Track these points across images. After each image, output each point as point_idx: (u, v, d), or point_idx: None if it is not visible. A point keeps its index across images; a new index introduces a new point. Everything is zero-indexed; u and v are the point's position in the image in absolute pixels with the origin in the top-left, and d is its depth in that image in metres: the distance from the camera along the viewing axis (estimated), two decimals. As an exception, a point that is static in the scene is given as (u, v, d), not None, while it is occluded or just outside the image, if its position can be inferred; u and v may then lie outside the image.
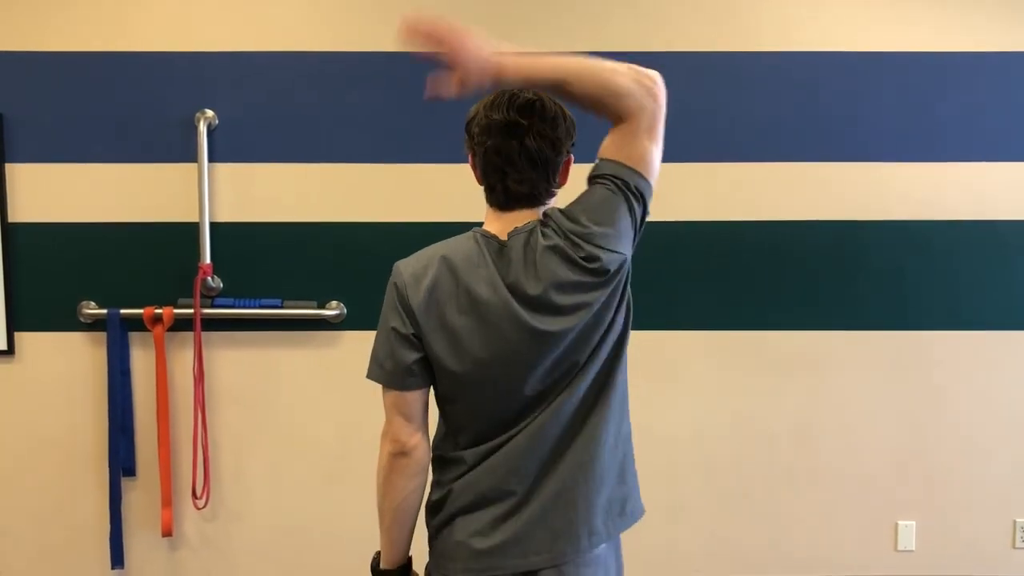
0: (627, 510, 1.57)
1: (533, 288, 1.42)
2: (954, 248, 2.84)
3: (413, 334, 1.47)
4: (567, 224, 1.44)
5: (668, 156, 2.73)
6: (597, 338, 1.48)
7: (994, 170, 2.83)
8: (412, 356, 1.47)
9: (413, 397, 1.49)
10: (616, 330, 1.51)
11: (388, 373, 1.48)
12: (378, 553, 1.60)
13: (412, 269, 1.49)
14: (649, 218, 2.74)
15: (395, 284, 1.50)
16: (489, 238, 1.49)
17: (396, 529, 1.54)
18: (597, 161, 1.50)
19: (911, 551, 2.92)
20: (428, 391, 1.53)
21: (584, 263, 1.42)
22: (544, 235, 1.45)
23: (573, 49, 2.74)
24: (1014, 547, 2.93)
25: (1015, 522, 2.92)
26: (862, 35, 2.79)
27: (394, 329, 1.48)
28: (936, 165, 2.83)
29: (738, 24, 2.79)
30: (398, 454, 1.49)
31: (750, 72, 2.79)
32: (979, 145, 2.83)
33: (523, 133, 1.46)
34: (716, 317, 2.84)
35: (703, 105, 2.79)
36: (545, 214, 1.49)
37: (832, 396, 2.88)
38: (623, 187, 1.46)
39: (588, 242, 1.43)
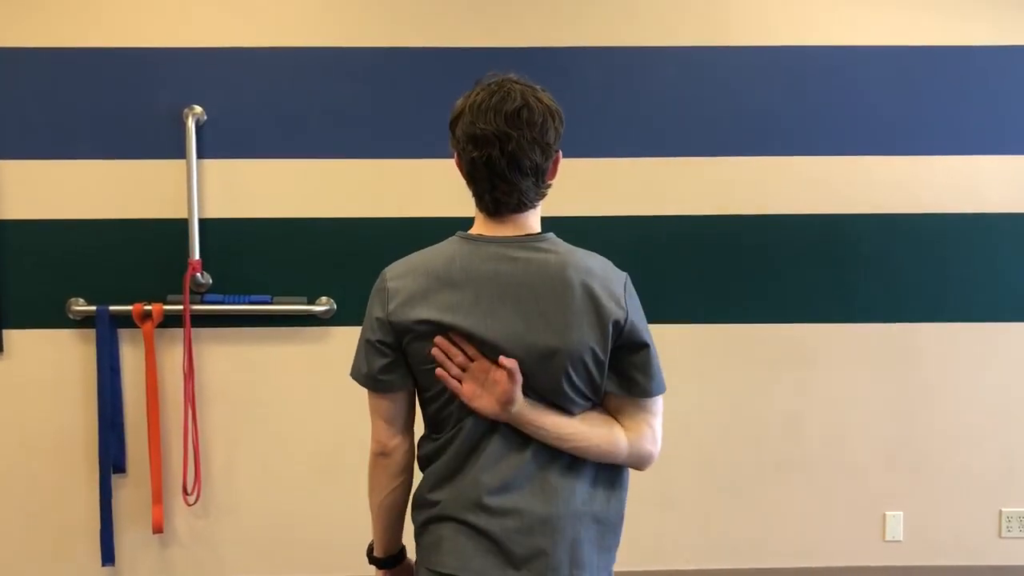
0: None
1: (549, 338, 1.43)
2: (942, 241, 2.87)
3: (379, 340, 1.47)
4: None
5: (658, 150, 2.79)
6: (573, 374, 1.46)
7: (982, 163, 2.85)
8: (382, 362, 1.48)
9: (390, 400, 1.51)
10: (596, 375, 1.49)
11: (364, 376, 1.50)
12: (372, 542, 1.64)
13: (398, 275, 1.48)
14: (640, 212, 2.77)
15: (378, 291, 1.50)
16: (479, 241, 1.47)
17: (382, 522, 1.58)
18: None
19: (899, 541, 2.94)
20: (408, 395, 1.53)
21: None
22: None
23: (563, 44, 2.76)
24: (1000, 536, 2.95)
25: (1001, 512, 2.95)
26: (852, 29, 2.81)
27: (369, 339, 1.49)
28: (924, 158, 2.85)
29: (727, 19, 2.79)
30: (379, 454, 1.53)
31: (739, 67, 2.80)
32: (967, 138, 2.85)
33: (512, 145, 1.40)
34: (706, 310, 2.86)
35: (692, 100, 2.80)
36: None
37: (821, 388, 2.89)
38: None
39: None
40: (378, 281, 1.51)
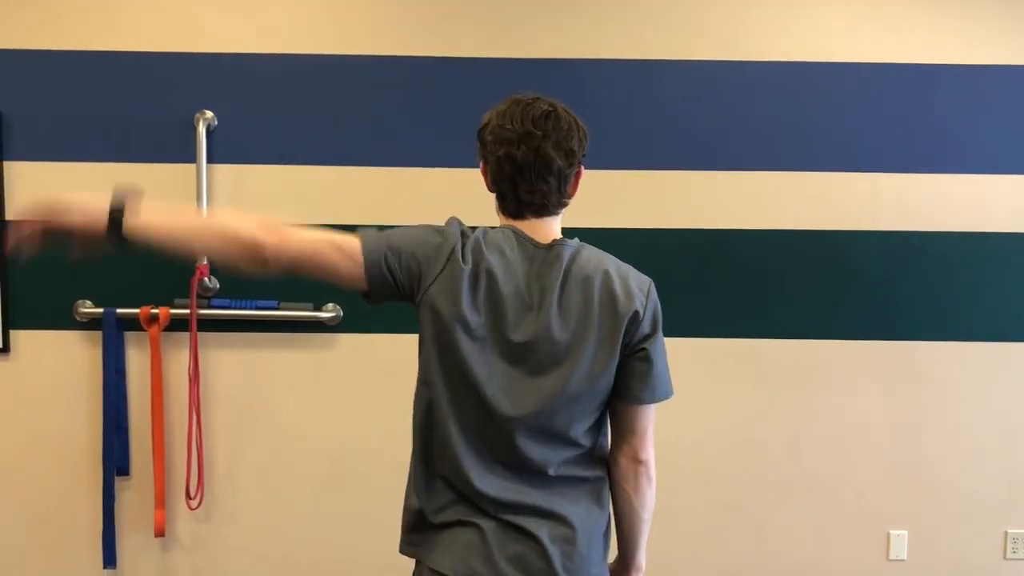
0: None
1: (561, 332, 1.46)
2: (947, 259, 2.86)
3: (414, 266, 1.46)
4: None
5: (661, 163, 2.80)
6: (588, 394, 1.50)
7: (987, 182, 2.85)
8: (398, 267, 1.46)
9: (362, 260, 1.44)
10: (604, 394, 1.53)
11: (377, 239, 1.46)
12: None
13: (474, 240, 1.49)
14: (646, 224, 2.78)
15: (446, 233, 1.49)
16: (521, 238, 1.51)
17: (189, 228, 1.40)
18: None
19: (903, 561, 2.93)
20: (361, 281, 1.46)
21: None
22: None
23: (573, 56, 2.77)
24: (1005, 558, 2.94)
25: (1006, 533, 2.93)
26: (858, 46, 2.81)
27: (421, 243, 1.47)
28: (929, 176, 2.84)
29: (733, 33, 2.80)
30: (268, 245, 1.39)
31: (745, 81, 2.81)
32: (973, 157, 2.85)
33: (536, 143, 1.46)
34: (709, 325, 2.85)
35: (697, 114, 2.80)
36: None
37: (825, 405, 2.89)
38: None
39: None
40: (452, 225, 1.51)
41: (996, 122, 2.84)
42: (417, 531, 1.55)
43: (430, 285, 1.45)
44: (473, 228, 1.51)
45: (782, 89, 2.81)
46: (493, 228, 1.53)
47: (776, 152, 2.82)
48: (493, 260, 1.46)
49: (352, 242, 1.43)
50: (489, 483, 1.48)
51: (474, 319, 1.44)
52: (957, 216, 2.86)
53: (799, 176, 2.83)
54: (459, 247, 1.46)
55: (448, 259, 1.45)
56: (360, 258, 1.42)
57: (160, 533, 2.76)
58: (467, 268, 1.44)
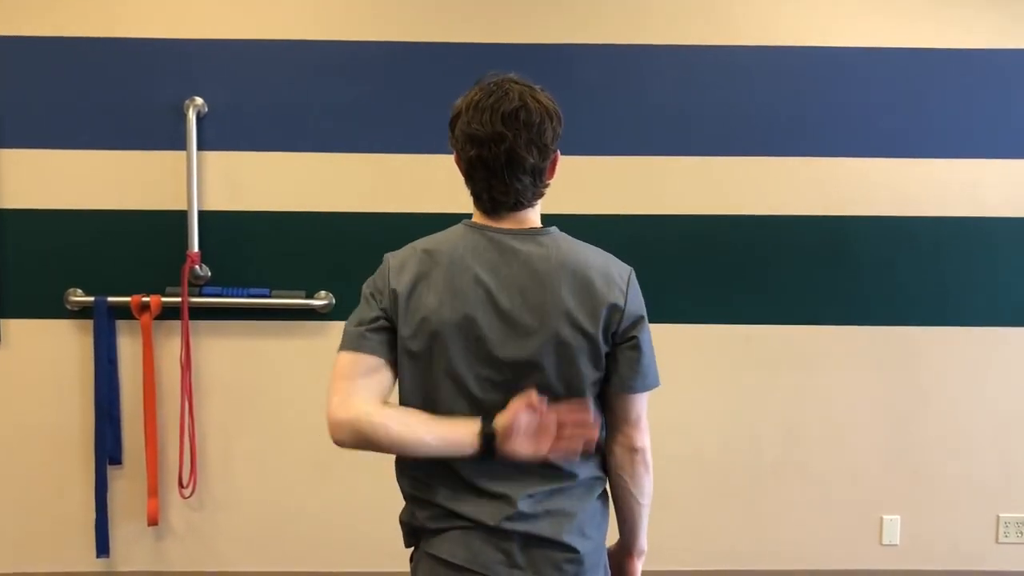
0: None
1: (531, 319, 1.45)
2: (943, 244, 2.86)
3: (384, 316, 1.50)
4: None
5: (657, 149, 2.78)
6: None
7: (983, 167, 2.84)
8: (375, 315, 1.51)
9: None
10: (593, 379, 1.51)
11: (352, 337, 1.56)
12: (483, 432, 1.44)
13: (398, 259, 1.50)
14: (639, 211, 2.77)
15: (379, 272, 1.51)
16: (484, 229, 1.48)
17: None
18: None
19: (895, 545, 2.93)
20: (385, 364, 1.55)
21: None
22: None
23: (565, 41, 2.75)
24: (997, 542, 2.95)
25: (999, 517, 2.94)
26: (854, 30, 2.80)
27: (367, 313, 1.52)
28: (926, 161, 2.84)
29: (729, 18, 2.78)
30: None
31: (741, 66, 2.79)
32: (969, 142, 2.84)
33: (508, 144, 1.41)
34: (704, 311, 2.85)
35: (693, 99, 2.79)
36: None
37: (819, 390, 2.89)
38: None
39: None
40: (381, 265, 1.52)
41: (991, 107, 2.83)
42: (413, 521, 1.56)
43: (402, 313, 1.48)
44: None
45: (776, 74, 2.80)
46: (448, 235, 1.51)
47: (770, 137, 2.81)
48: (443, 270, 1.45)
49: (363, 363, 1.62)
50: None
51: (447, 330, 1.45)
52: (952, 201, 2.85)
53: (793, 161, 2.82)
54: (389, 282, 1.48)
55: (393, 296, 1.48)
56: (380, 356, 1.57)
57: (153, 522, 2.76)
58: (414, 286, 1.46)
